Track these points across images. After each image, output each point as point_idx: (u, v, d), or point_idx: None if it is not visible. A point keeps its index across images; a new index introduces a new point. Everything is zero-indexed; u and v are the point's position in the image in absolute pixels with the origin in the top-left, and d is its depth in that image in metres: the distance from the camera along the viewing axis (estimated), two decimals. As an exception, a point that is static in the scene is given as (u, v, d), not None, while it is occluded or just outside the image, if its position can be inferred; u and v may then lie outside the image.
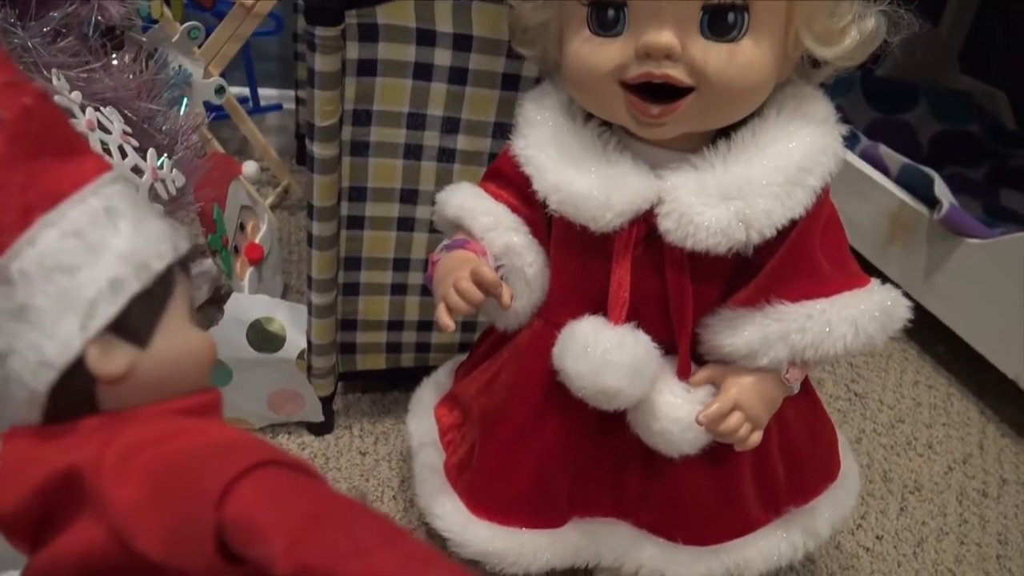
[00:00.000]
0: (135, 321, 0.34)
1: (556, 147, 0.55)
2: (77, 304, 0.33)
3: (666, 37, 0.48)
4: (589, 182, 0.53)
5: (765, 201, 0.51)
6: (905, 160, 1.08)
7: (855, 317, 0.54)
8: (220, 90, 1.02)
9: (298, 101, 1.28)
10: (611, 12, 0.50)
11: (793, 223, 0.52)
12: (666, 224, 0.52)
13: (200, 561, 0.31)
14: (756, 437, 0.55)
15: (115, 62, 0.81)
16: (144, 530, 0.31)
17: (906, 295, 1.06)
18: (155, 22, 0.99)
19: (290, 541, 0.29)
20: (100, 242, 0.33)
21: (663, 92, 0.50)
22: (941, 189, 1.00)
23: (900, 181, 1.08)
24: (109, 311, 0.33)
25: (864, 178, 1.12)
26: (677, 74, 0.49)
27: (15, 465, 0.34)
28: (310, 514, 0.30)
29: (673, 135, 0.53)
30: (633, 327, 0.54)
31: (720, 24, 0.49)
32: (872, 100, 1.35)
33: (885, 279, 1.08)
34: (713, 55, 0.49)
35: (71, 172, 0.34)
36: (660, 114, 0.51)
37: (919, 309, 1.04)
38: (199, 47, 1.00)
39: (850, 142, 1.19)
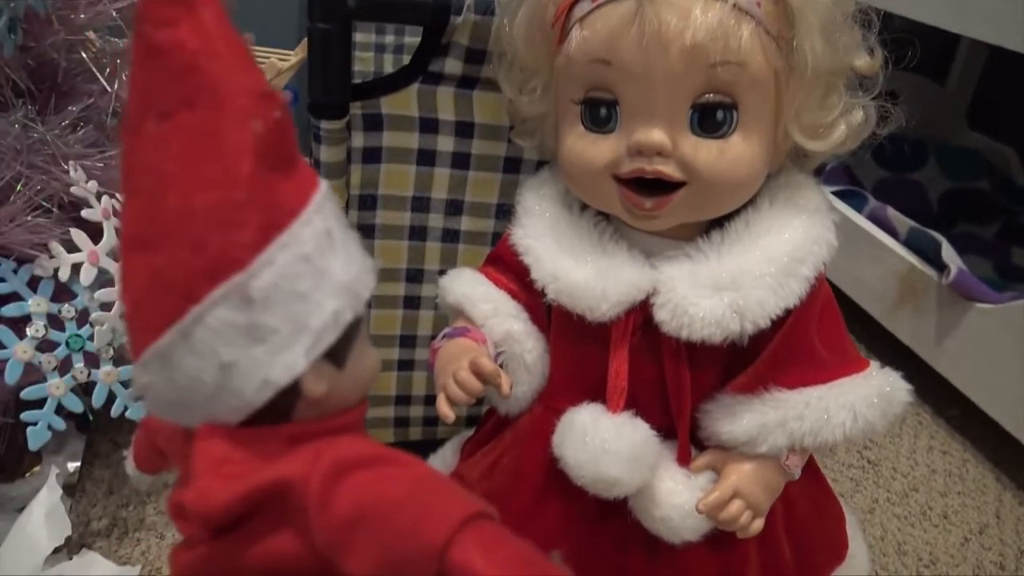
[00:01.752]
0: (339, 345, 0.36)
1: (553, 237, 0.57)
2: (306, 331, 0.34)
3: (657, 135, 0.50)
4: (585, 273, 0.54)
5: (759, 292, 0.51)
6: (912, 224, 1.08)
7: (853, 404, 0.54)
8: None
9: (316, 165, 1.31)
10: (603, 110, 0.52)
11: (788, 312, 0.52)
12: (661, 315, 0.53)
13: None
14: (757, 524, 0.55)
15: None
16: (353, 552, 0.33)
17: (918, 357, 1.06)
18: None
19: None
20: (325, 268, 0.35)
21: (656, 185, 0.52)
22: (949, 254, 1.00)
23: (908, 244, 1.08)
24: (330, 339, 0.35)
25: (873, 240, 1.12)
26: (668, 170, 0.51)
27: (214, 468, 0.35)
28: None
29: (667, 227, 0.54)
30: (632, 415, 0.55)
31: (709, 121, 0.50)
32: (880, 159, 1.36)
33: (896, 341, 1.09)
34: (703, 151, 0.50)
35: (296, 187, 0.35)
36: (653, 207, 0.52)
37: (932, 372, 1.05)
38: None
39: (858, 203, 1.20)
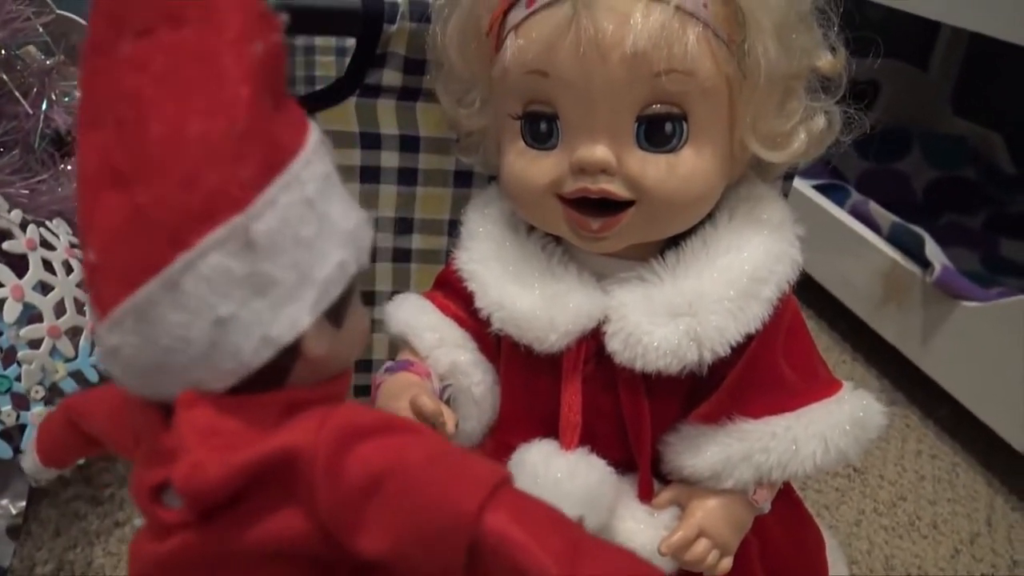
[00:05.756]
0: (339, 302, 0.33)
1: (499, 261, 0.53)
2: (310, 283, 0.31)
3: (600, 152, 0.46)
4: (532, 300, 0.50)
5: (717, 318, 0.47)
6: (895, 219, 1.04)
7: (824, 432, 0.50)
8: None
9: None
10: (544, 125, 0.48)
11: (750, 337, 0.48)
12: (613, 345, 0.49)
13: (437, 566, 0.30)
14: (726, 564, 0.51)
15: (70, 168, 0.80)
16: (366, 526, 0.30)
17: (904, 357, 1.02)
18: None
19: (564, 570, 0.29)
20: (326, 214, 0.31)
21: (603, 205, 0.48)
22: (932, 251, 0.96)
23: (891, 240, 1.05)
24: (335, 292, 0.32)
25: (855, 236, 1.08)
26: (614, 188, 0.47)
27: (204, 439, 0.31)
28: (570, 540, 0.30)
29: (617, 248, 0.50)
30: (586, 452, 0.51)
31: (657, 135, 0.46)
32: (862, 150, 1.32)
33: (881, 341, 1.05)
34: (651, 167, 0.46)
35: (292, 124, 0.32)
36: (601, 228, 0.48)
37: (919, 372, 1.01)
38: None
39: (840, 197, 1.16)
